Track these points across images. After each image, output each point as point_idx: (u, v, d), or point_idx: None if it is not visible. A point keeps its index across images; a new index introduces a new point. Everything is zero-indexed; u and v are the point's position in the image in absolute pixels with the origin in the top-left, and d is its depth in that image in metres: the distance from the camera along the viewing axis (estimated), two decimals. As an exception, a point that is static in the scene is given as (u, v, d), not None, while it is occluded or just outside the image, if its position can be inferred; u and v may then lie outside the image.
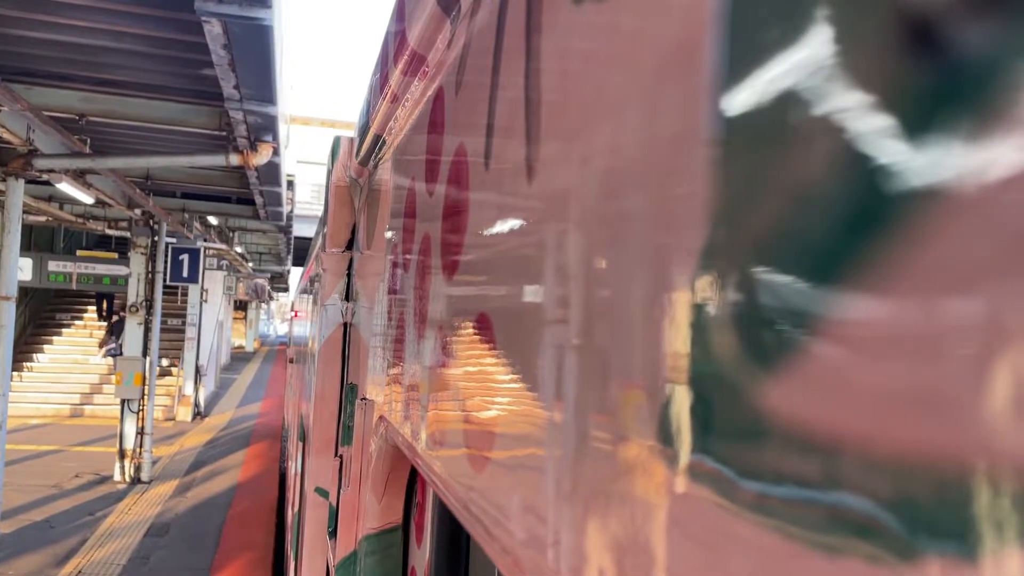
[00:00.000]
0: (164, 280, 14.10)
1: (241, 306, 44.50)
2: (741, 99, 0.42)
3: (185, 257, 15.54)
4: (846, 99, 0.34)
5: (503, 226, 0.86)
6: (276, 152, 8.45)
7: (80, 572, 8.61)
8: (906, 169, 0.31)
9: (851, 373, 0.33)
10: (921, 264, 0.30)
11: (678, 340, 0.47)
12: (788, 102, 0.38)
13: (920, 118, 0.30)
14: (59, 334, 21.94)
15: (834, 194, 0.35)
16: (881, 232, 0.32)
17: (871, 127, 0.32)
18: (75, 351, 21.31)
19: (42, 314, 22.39)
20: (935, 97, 0.29)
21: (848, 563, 0.32)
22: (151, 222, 13.23)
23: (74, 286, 18.08)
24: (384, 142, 1.96)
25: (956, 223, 0.28)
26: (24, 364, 19.84)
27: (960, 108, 0.28)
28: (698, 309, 0.45)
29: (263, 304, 53.83)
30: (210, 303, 22.93)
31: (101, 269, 17.87)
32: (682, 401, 0.46)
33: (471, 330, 0.95)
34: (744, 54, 0.42)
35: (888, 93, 0.32)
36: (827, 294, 0.35)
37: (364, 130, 2.15)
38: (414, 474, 1.86)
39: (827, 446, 0.34)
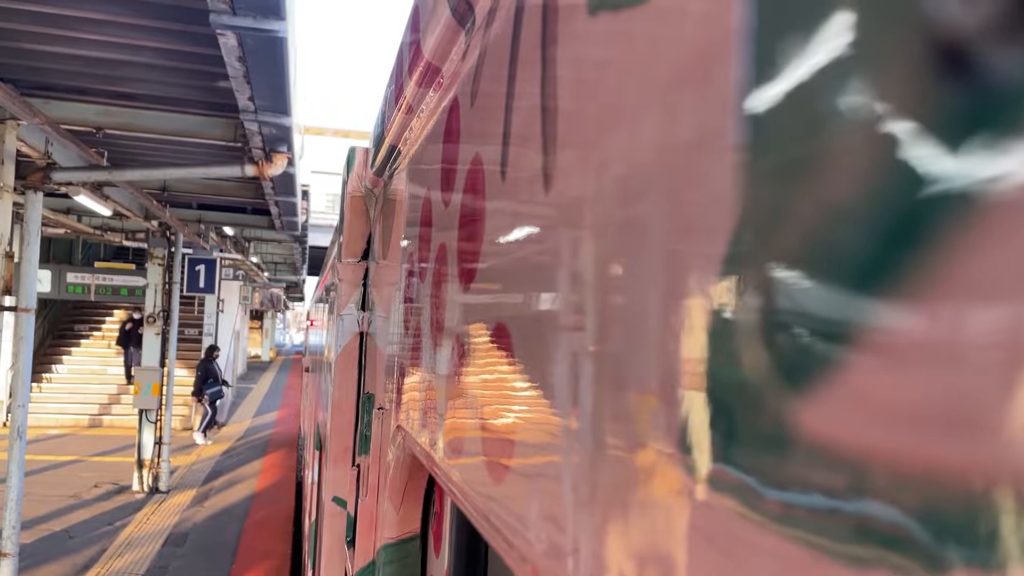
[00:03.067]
0: (181, 291, 14.20)
1: (257, 316, 44.76)
2: (762, 108, 0.42)
3: (201, 268, 15.65)
4: (871, 107, 0.34)
5: (520, 235, 0.86)
6: (291, 162, 8.50)
7: (99, 582, 8.67)
8: (933, 178, 0.30)
9: (876, 385, 0.33)
10: (946, 276, 0.30)
11: (700, 349, 0.47)
12: (810, 112, 0.38)
13: (951, 126, 0.30)
14: (77, 345, 22.13)
15: (855, 203, 0.35)
16: (902, 242, 0.32)
17: (898, 134, 0.32)
18: (93, 362, 21.47)
19: (61, 325, 22.59)
20: (968, 104, 0.29)
21: None
22: (168, 233, 13.33)
23: (92, 297, 18.26)
24: (399, 152, 1.97)
25: (988, 234, 0.28)
26: (43, 375, 20.02)
27: (991, 116, 0.28)
28: (720, 318, 0.45)
29: (279, 314, 54.11)
30: (226, 313, 23.06)
31: (119, 280, 18.04)
32: (704, 410, 0.46)
33: (488, 339, 0.95)
34: (766, 63, 0.42)
35: (916, 99, 0.31)
36: (848, 304, 0.35)
37: (379, 141, 2.16)
38: (431, 483, 1.86)
39: (851, 457, 0.34)
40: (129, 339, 19.32)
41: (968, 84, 0.29)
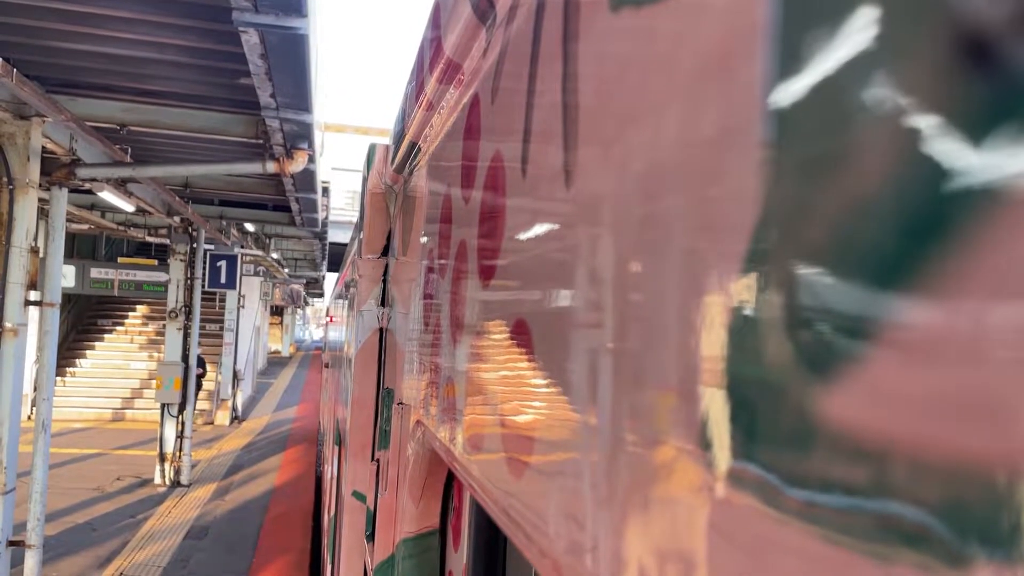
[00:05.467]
0: (202, 286, 14.31)
1: (277, 311, 45.08)
2: (784, 104, 0.42)
3: (223, 263, 15.78)
4: (894, 103, 0.34)
5: (541, 232, 0.86)
6: (311, 159, 8.55)
7: (121, 574, 8.76)
8: (957, 173, 0.30)
9: (898, 380, 0.33)
10: (970, 270, 0.30)
11: (722, 345, 0.47)
12: (833, 108, 0.38)
13: (975, 122, 0.30)
14: (101, 339, 22.37)
15: (878, 199, 0.35)
16: (925, 237, 0.32)
17: (921, 130, 0.32)
18: (117, 356, 21.71)
19: (85, 320, 22.85)
20: (992, 100, 0.29)
21: (897, 573, 0.32)
22: (190, 229, 13.44)
23: (116, 292, 18.47)
24: (419, 149, 1.98)
25: (1012, 230, 0.28)
26: (67, 369, 20.25)
27: (1015, 111, 0.28)
28: (741, 314, 0.45)
29: (298, 309, 54.43)
30: (247, 309, 23.22)
31: (141, 276, 18.24)
32: (724, 407, 0.46)
33: (508, 335, 0.96)
34: (788, 59, 0.42)
35: (940, 94, 0.31)
36: (870, 299, 0.35)
37: (399, 137, 2.17)
38: (450, 478, 1.87)
39: (873, 453, 0.34)
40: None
41: (993, 79, 0.29)
